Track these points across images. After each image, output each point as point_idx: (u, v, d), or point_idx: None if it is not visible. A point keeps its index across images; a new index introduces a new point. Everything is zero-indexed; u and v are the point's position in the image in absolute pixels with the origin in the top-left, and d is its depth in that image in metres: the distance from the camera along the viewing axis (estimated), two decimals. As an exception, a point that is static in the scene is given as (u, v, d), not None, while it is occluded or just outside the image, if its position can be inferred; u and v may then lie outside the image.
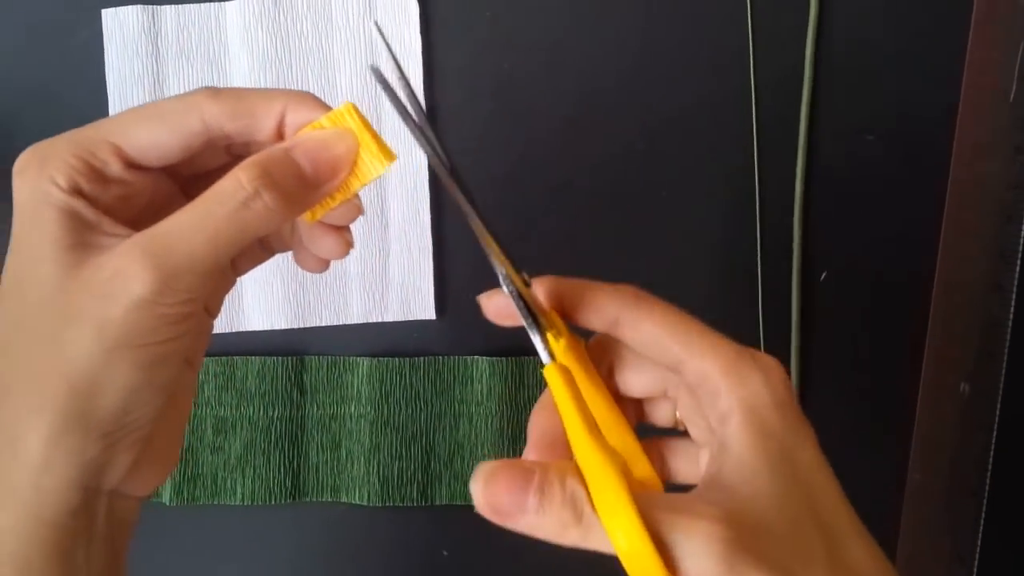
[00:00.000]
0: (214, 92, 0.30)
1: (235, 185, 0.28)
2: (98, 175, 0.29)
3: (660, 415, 0.34)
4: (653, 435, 0.34)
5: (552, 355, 0.30)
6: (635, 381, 0.33)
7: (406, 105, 0.29)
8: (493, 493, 0.26)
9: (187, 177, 0.32)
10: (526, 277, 0.31)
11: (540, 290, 0.31)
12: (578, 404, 0.28)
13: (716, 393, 0.29)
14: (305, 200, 0.30)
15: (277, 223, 0.29)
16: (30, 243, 0.28)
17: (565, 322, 0.32)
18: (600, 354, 0.33)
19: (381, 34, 0.30)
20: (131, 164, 0.29)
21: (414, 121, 0.29)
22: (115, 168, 0.29)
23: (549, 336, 0.31)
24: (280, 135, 0.30)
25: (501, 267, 0.30)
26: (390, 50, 0.30)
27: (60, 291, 0.27)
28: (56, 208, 0.28)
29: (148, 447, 0.29)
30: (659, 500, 0.26)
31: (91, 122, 0.53)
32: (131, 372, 0.27)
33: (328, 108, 0.30)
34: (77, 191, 0.28)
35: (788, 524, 0.27)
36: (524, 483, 0.26)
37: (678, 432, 0.34)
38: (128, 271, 0.27)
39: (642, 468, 0.32)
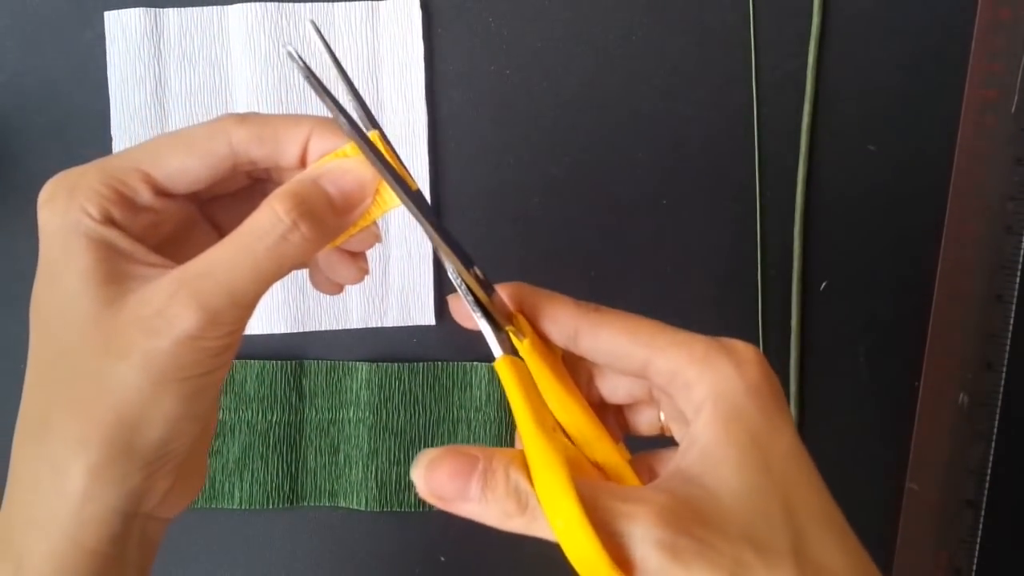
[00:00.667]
0: (241, 118, 0.30)
1: (272, 218, 0.28)
2: (129, 203, 0.29)
3: (645, 423, 0.33)
4: (641, 451, 0.33)
5: (506, 349, 0.30)
6: (617, 386, 0.33)
7: (331, 92, 0.29)
8: (435, 480, 0.26)
9: (206, 200, 0.33)
10: (478, 272, 0.31)
11: (505, 294, 0.31)
12: (526, 395, 0.28)
13: (688, 386, 0.28)
14: (335, 228, 0.30)
15: (311, 253, 0.29)
16: (63, 275, 0.28)
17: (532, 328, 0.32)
18: (578, 362, 0.33)
19: (318, 32, 0.30)
20: (160, 191, 0.30)
21: (342, 108, 0.29)
22: (145, 196, 0.29)
23: (512, 337, 0.30)
24: (303, 161, 0.30)
25: (449, 261, 0.30)
26: (327, 47, 0.30)
27: (100, 325, 0.27)
28: (89, 239, 0.28)
29: (181, 470, 0.29)
30: (604, 489, 0.26)
31: (91, 123, 0.53)
32: (176, 404, 0.27)
33: None
34: (109, 220, 0.28)
35: (750, 516, 0.26)
36: (467, 471, 0.26)
37: (666, 442, 0.33)
38: (173, 308, 0.27)
39: (628, 479, 0.31)
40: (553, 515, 0.25)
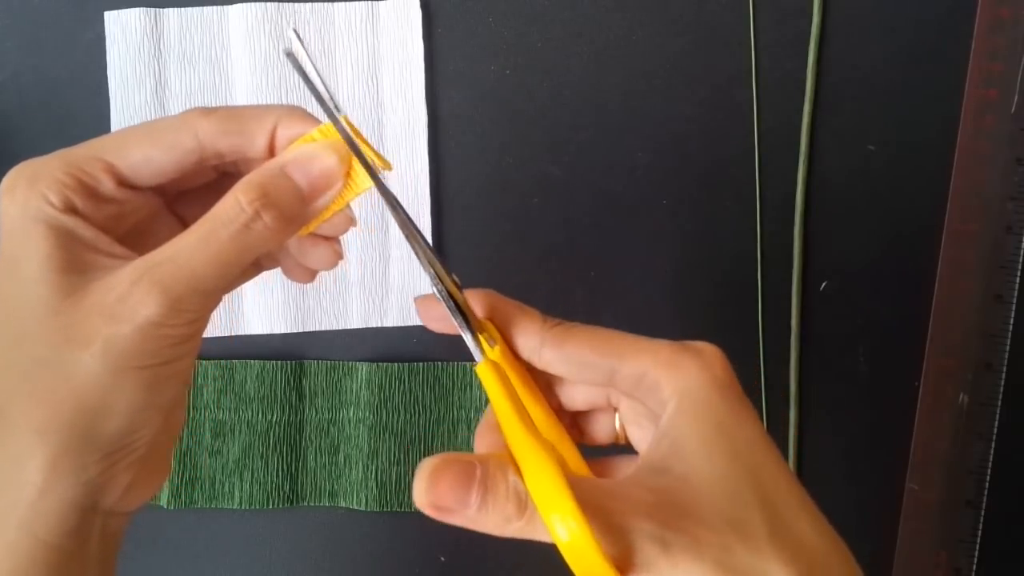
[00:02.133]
0: (207, 111, 0.30)
1: (236, 208, 0.28)
2: (91, 192, 0.28)
3: (601, 430, 0.34)
4: (596, 456, 0.34)
5: (485, 355, 0.30)
6: (577, 393, 0.33)
7: (320, 91, 0.30)
8: (437, 492, 0.26)
9: (173, 194, 0.32)
10: (456, 279, 0.31)
11: (474, 301, 0.32)
12: (512, 398, 0.29)
13: (657, 387, 0.29)
14: (302, 216, 0.30)
15: (277, 242, 0.29)
16: (22, 263, 0.27)
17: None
18: (538, 371, 0.33)
19: (300, 40, 0.30)
20: (123, 183, 0.29)
21: (327, 105, 0.30)
22: (108, 186, 0.29)
23: (483, 342, 0.31)
24: (272, 151, 0.30)
25: (430, 268, 0.30)
26: (307, 53, 0.30)
27: (60, 314, 0.27)
28: (49, 226, 0.27)
29: (143, 464, 0.29)
30: (595, 485, 0.27)
31: (91, 123, 0.53)
32: (137, 393, 0.27)
33: (318, 121, 0.30)
34: (71, 209, 0.28)
35: (725, 501, 0.27)
36: (467, 480, 0.26)
37: (621, 450, 0.34)
38: (135, 295, 0.26)
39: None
40: (550, 516, 0.25)
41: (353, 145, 0.30)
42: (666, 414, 0.29)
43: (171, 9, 0.54)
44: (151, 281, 0.27)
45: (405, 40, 0.54)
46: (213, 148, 0.30)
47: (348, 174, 0.30)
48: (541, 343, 0.31)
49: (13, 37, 0.54)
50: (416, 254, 0.31)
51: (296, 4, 0.54)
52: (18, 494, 0.27)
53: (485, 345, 0.31)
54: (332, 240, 0.32)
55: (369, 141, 0.31)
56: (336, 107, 0.30)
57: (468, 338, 0.31)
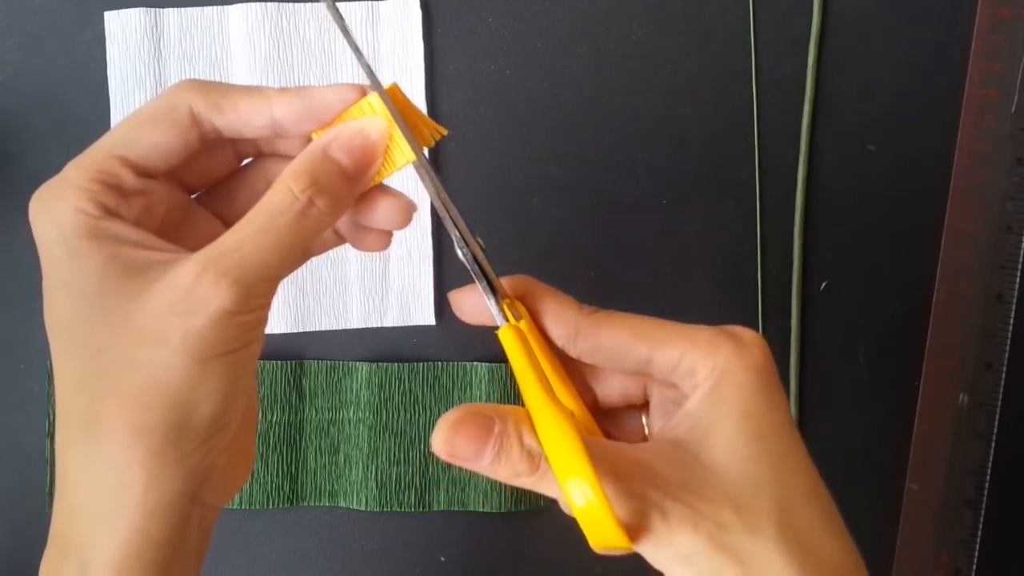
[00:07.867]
0: (199, 85, 0.30)
1: (289, 197, 0.28)
2: (117, 190, 0.29)
3: (631, 432, 0.34)
4: None
5: (507, 318, 0.31)
6: (614, 383, 0.33)
7: (355, 41, 0.31)
8: (455, 443, 0.27)
9: (198, 187, 0.33)
10: (481, 242, 0.31)
11: (509, 287, 0.32)
12: (532, 362, 0.29)
13: (692, 372, 0.29)
14: (351, 196, 0.30)
15: (329, 225, 0.30)
16: (78, 283, 0.27)
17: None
18: (574, 362, 0.33)
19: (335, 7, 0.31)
20: (142, 173, 0.30)
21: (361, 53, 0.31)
22: (129, 180, 0.29)
23: (507, 309, 0.31)
24: (273, 131, 0.31)
25: (455, 229, 0.31)
26: (341, 18, 0.31)
27: (132, 318, 0.27)
28: (94, 238, 0.27)
29: (231, 452, 0.30)
30: (607, 449, 0.28)
31: (91, 122, 0.53)
32: (221, 379, 0.28)
33: (314, 94, 0.31)
34: (107, 211, 0.28)
35: (735, 481, 0.27)
36: (485, 434, 0.27)
37: None
38: (203, 287, 0.27)
39: None
40: (567, 482, 0.26)
41: (396, 116, 0.30)
42: (694, 396, 0.29)
43: (171, 9, 0.54)
44: (218, 272, 0.27)
45: (405, 40, 0.54)
46: (209, 124, 0.30)
47: (390, 147, 0.31)
48: (576, 331, 0.31)
49: (13, 37, 0.54)
50: (439, 213, 0.31)
51: (296, 4, 0.54)
52: (124, 494, 0.27)
53: (508, 312, 0.31)
54: (398, 196, 0.32)
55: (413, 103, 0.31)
56: (363, 59, 0.31)
57: (491, 303, 0.31)
